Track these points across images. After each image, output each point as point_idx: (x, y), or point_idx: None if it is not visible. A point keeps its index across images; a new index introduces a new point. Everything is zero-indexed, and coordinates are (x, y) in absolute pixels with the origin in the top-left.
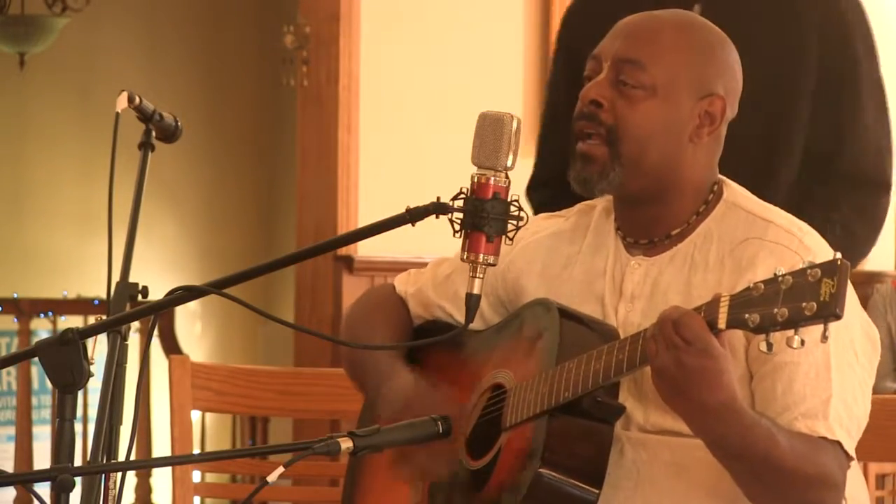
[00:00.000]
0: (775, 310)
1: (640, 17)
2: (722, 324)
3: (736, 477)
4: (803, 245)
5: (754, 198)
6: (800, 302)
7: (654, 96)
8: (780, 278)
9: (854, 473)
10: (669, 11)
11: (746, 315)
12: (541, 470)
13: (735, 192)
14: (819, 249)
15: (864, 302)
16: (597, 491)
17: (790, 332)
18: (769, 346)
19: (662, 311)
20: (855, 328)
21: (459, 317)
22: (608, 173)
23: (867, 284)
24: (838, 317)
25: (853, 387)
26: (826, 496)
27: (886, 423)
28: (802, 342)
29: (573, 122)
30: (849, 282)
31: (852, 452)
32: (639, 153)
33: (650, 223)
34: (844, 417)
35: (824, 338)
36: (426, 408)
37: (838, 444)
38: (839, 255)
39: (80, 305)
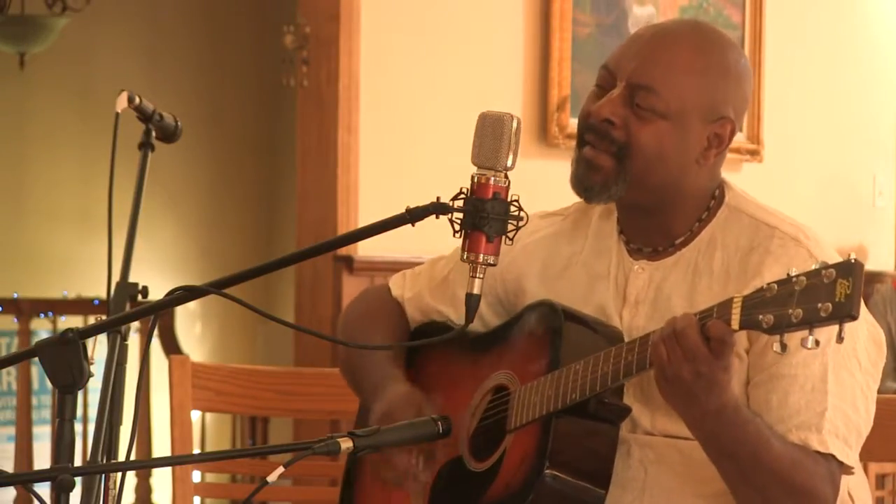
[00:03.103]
0: (790, 310)
1: (657, 34)
2: (735, 324)
3: (725, 477)
4: (810, 253)
5: (757, 201)
6: (815, 303)
7: (666, 119)
8: (793, 279)
9: (858, 474)
10: (686, 26)
11: (760, 316)
12: (548, 471)
13: (737, 195)
14: (825, 255)
15: (864, 302)
16: (603, 492)
17: (804, 333)
18: (783, 346)
19: (670, 319)
20: (860, 334)
21: (458, 319)
22: (611, 186)
23: (867, 284)
24: (854, 317)
25: (853, 395)
26: None
27: (887, 423)
28: (817, 342)
29: (580, 129)
30: None
31: (850, 462)
32: (645, 171)
33: (652, 232)
34: (841, 427)
35: (840, 338)
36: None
37: (832, 456)
38: (853, 255)
39: (80, 305)
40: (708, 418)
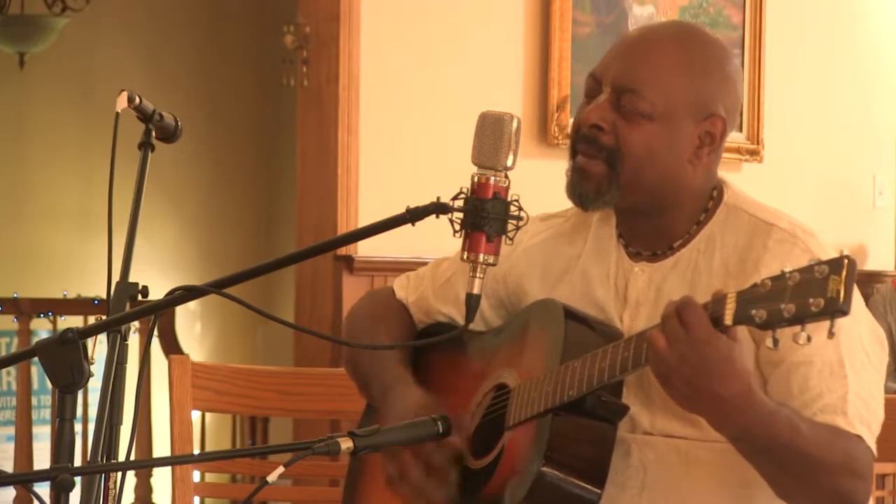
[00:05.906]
0: (782, 305)
1: (640, 36)
2: (729, 319)
3: (764, 474)
4: (808, 249)
5: (755, 199)
6: (807, 298)
7: (653, 121)
8: (787, 275)
9: None
10: (669, 27)
11: (753, 311)
12: (543, 469)
13: (736, 194)
14: (821, 252)
15: (864, 302)
16: (599, 491)
17: (797, 329)
18: (775, 341)
19: (666, 305)
20: (863, 328)
21: (461, 320)
22: (604, 192)
23: (867, 284)
24: (845, 313)
25: (868, 384)
26: (857, 486)
27: (887, 423)
28: (809, 338)
29: (572, 140)
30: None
31: (874, 448)
32: (637, 174)
33: (651, 235)
34: (864, 413)
35: (831, 334)
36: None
37: (860, 438)
38: (846, 252)
39: (80, 305)
40: (730, 412)
